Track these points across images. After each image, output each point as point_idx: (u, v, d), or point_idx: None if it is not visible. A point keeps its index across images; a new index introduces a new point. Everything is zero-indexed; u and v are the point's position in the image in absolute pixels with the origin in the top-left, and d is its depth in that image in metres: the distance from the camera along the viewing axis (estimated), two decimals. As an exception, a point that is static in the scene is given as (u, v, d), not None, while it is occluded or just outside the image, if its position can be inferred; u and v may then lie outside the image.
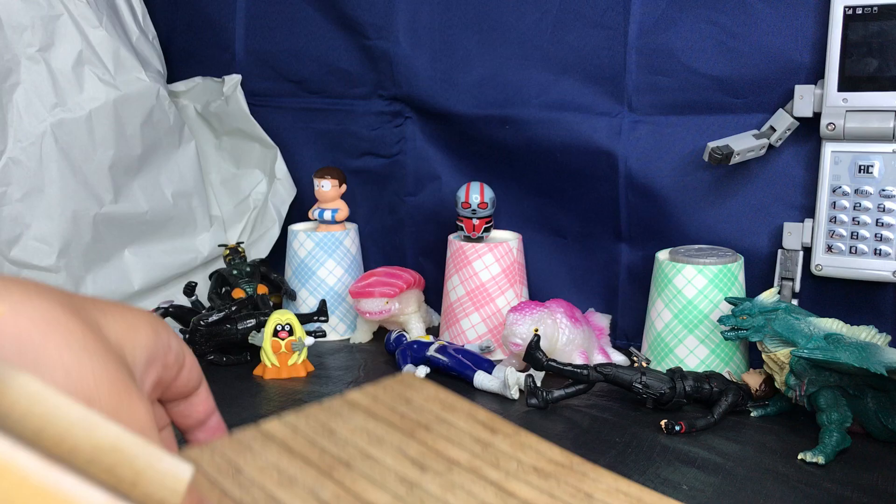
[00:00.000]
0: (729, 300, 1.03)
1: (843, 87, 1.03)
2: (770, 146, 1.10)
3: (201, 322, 1.17)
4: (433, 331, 1.34)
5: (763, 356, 0.97)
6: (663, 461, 0.88)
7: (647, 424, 0.97)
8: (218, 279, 1.34)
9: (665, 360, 1.12)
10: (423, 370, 1.11)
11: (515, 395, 1.05)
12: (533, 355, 1.03)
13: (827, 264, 1.08)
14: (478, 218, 1.23)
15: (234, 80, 1.47)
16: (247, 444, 0.43)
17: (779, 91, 1.10)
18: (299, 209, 1.46)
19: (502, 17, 1.27)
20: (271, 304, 1.32)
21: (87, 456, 0.26)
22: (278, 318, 1.16)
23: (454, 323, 1.25)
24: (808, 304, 1.09)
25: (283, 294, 1.37)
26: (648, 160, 1.20)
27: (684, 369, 1.03)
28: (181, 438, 0.47)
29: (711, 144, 1.08)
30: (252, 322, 1.20)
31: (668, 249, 1.17)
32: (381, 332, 1.32)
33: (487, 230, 1.25)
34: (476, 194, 1.23)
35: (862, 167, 1.04)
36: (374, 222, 1.46)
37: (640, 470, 0.85)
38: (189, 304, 1.30)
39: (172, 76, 1.52)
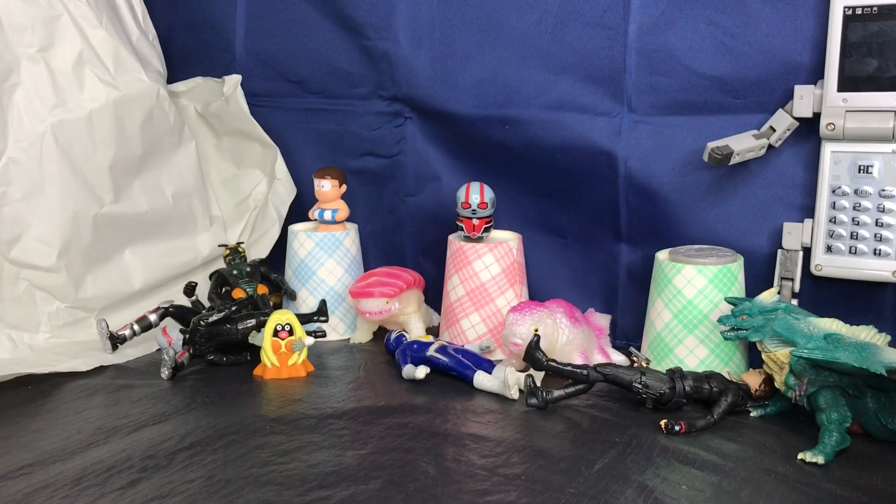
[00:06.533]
0: (728, 300, 1.03)
1: (842, 87, 1.03)
2: (770, 146, 1.10)
3: (201, 322, 1.18)
4: (433, 331, 1.34)
5: (763, 356, 0.97)
6: (663, 461, 0.88)
7: (646, 424, 0.97)
8: (218, 279, 1.34)
9: (665, 360, 1.12)
10: (423, 370, 1.11)
11: (515, 395, 1.05)
12: (533, 355, 1.03)
13: (827, 264, 1.08)
14: (478, 218, 1.23)
15: (234, 80, 1.47)
16: None
17: (778, 91, 1.10)
18: (299, 209, 1.46)
19: (502, 17, 1.27)
20: (271, 304, 1.32)
21: None
22: (278, 318, 1.16)
23: (454, 323, 1.25)
24: (808, 304, 1.09)
25: (283, 294, 1.37)
26: (648, 160, 1.20)
27: (684, 369, 1.03)
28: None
29: (711, 145, 1.08)
30: (252, 322, 1.21)
31: (668, 249, 1.17)
32: (381, 332, 1.32)
33: (487, 230, 1.25)
34: (476, 194, 1.23)
35: (861, 167, 1.04)
36: (374, 222, 1.47)
37: (639, 470, 0.86)
38: (189, 305, 1.30)
39: (173, 76, 1.52)
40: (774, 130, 1.10)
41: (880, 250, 1.04)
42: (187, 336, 1.18)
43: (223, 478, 0.85)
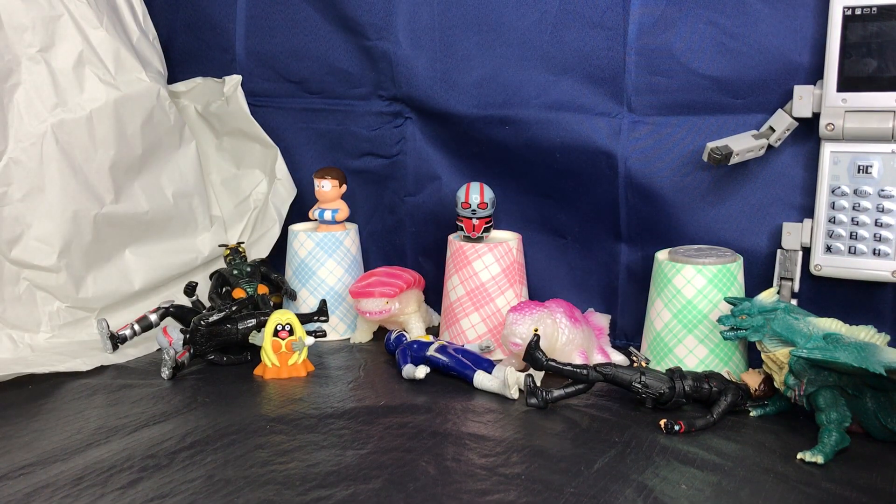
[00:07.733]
0: (728, 300, 1.03)
1: (842, 87, 1.03)
2: (769, 146, 1.10)
3: (202, 322, 1.18)
4: (433, 331, 1.34)
5: (762, 356, 0.97)
6: (662, 461, 0.88)
7: (646, 424, 0.97)
8: (218, 279, 1.34)
9: (664, 360, 1.12)
10: (423, 370, 1.11)
11: (515, 394, 1.06)
12: (533, 355, 1.03)
13: (826, 264, 1.08)
14: (478, 218, 1.24)
15: (234, 80, 1.48)
16: None
17: (778, 91, 1.10)
18: (299, 209, 1.46)
19: (502, 17, 1.27)
20: (271, 304, 1.32)
21: None
22: (278, 317, 1.16)
23: (454, 323, 1.25)
24: (807, 304, 1.09)
25: (283, 294, 1.37)
26: (648, 160, 1.20)
27: (683, 369, 1.03)
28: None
29: (711, 145, 1.08)
30: (252, 322, 1.21)
31: (668, 249, 1.17)
32: (381, 332, 1.32)
33: (487, 230, 1.25)
34: (476, 194, 1.23)
35: (861, 167, 1.04)
36: (374, 222, 1.47)
37: (639, 469, 0.86)
38: (189, 304, 1.31)
39: (173, 76, 1.52)
40: (774, 130, 1.10)
41: (879, 250, 1.04)
42: (188, 336, 1.18)
43: (223, 477, 0.85)
